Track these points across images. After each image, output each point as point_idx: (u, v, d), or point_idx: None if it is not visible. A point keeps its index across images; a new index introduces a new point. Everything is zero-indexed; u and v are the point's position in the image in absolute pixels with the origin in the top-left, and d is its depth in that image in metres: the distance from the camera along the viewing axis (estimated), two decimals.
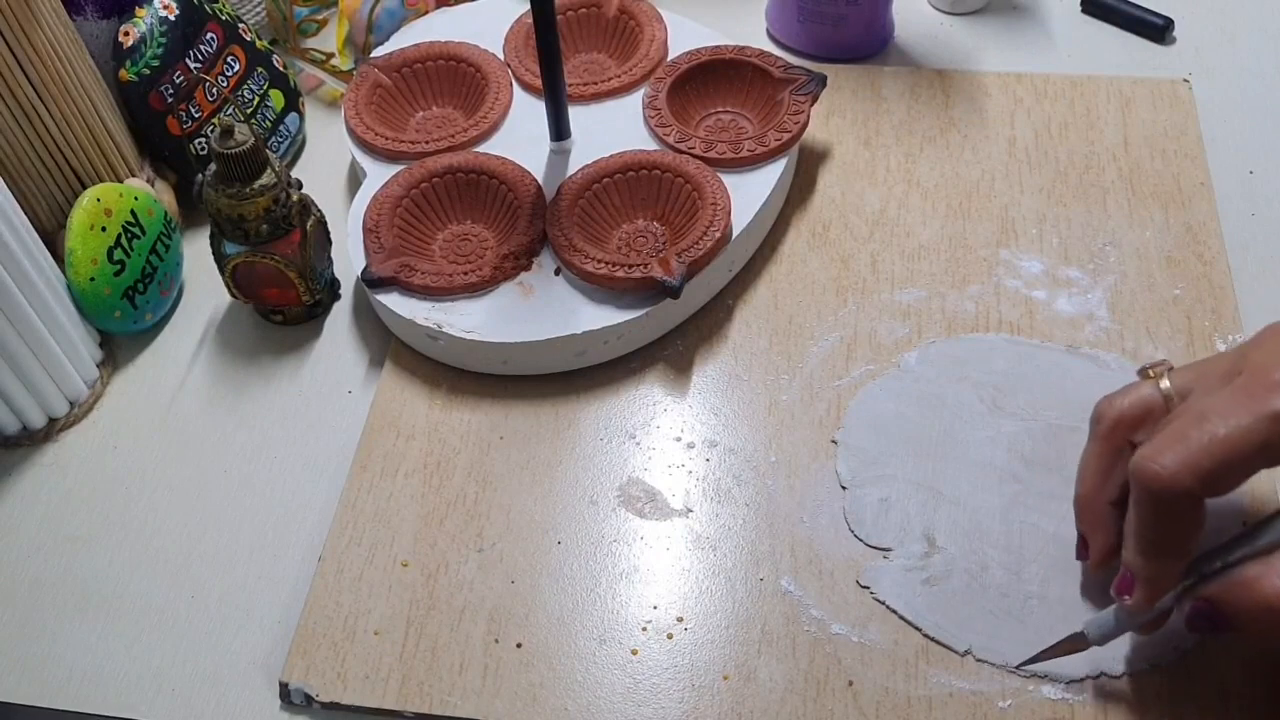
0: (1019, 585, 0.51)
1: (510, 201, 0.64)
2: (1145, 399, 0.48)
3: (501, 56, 0.71)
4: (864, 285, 0.63)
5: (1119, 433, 0.48)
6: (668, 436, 0.58)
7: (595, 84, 0.69)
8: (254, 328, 0.65)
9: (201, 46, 0.67)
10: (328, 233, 0.64)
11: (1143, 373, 0.49)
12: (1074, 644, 0.48)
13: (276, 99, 0.72)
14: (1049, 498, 0.54)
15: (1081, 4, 0.78)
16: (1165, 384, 0.47)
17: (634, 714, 0.49)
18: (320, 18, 0.81)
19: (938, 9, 0.79)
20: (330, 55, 0.77)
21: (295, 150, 0.74)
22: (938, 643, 0.50)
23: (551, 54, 0.62)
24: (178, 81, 0.66)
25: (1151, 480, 0.43)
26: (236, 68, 0.69)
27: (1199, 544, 0.44)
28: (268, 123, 0.71)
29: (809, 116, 0.66)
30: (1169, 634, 0.48)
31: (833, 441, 0.57)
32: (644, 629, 0.51)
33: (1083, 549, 0.50)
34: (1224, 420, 0.42)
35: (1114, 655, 0.49)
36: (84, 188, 0.62)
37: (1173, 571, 0.45)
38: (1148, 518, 0.44)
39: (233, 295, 0.63)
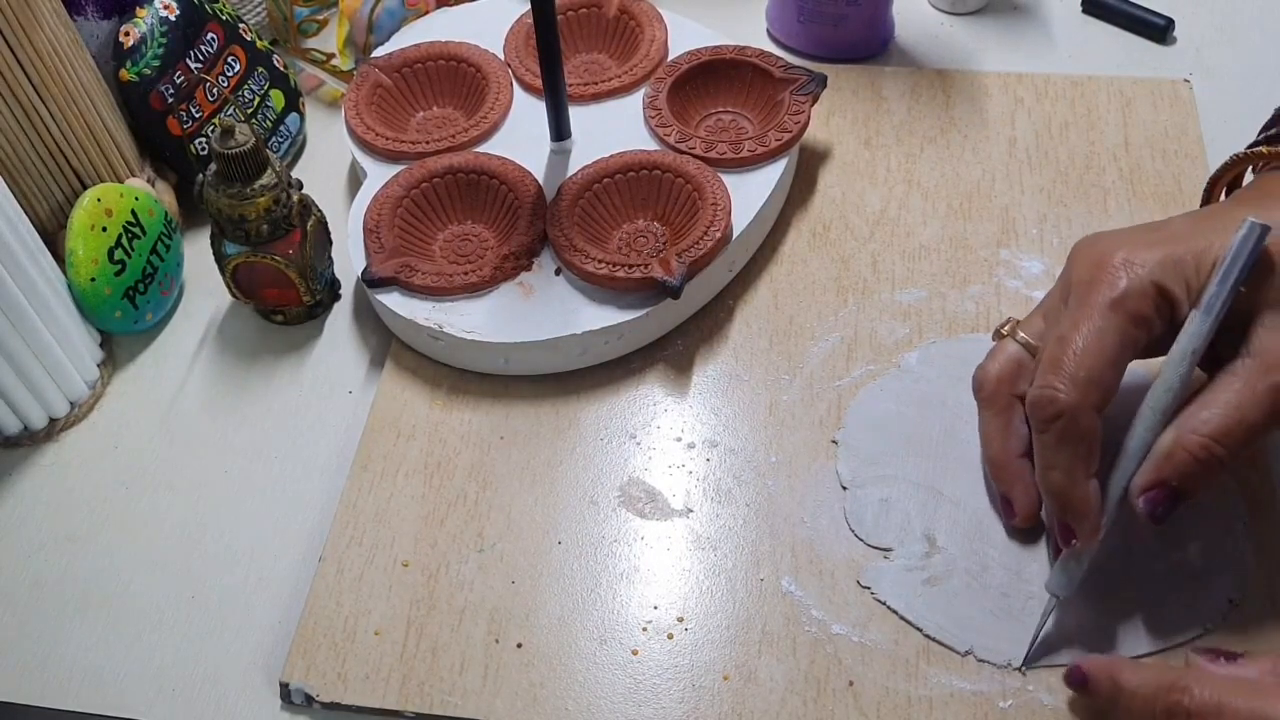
0: (1020, 585, 0.51)
1: (510, 202, 0.64)
2: (1011, 355, 0.53)
3: (502, 56, 0.71)
4: (864, 285, 0.63)
5: (1002, 390, 0.52)
6: (668, 437, 0.58)
7: (595, 84, 0.69)
8: (254, 328, 0.65)
9: (202, 47, 0.67)
10: (328, 233, 0.64)
11: (996, 334, 0.54)
12: (1051, 610, 0.49)
13: (277, 99, 0.72)
14: None
15: (1082, 4, 0.78)
16: (1021, 335, 0.53)
17: (634, 714, 0.49)
18: (321, 18, 0.81)
19: (938, 9, 0.79)
20: (331, 55, 0.77)
21: (296, 150, 0.74)
22: (938, 643, 0.50)
23: (552, 54, 0.62)
24: (178, 82, 0.66)
25: (1050, 404, 0.47)
26: (237, 68, 0.69)
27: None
28: (268, 123, 0.71)
29: (809, 116, 0.66)
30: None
31: (833, 442, 0.57)
32: (644, 629, 0.51)
33: (1007, 509, 0.52)
34: (1080, 332, 0.47)
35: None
36: (84, 188, 0.62)
37: (1095, 491, 0.48)
38: (1053, 442, 0.48)
39: (233, 295, 0.63)
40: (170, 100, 0.66)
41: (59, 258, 0.60)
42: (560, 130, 0.66)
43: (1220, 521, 0.52)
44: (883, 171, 0.68)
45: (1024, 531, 0.52)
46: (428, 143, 0.67)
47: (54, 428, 0.61)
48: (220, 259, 0.61)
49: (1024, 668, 0.49)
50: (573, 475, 0.57)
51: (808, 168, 0.69)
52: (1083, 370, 0.47)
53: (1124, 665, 0.46)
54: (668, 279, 0.58)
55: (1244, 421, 0.46)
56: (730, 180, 0.63)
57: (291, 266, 0.61)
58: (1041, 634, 0.49)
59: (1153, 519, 0.47)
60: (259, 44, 0.71)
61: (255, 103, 0.70)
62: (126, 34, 0.64)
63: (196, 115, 0.67)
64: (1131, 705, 0.44)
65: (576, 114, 0.67)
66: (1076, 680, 0.47)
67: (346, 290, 0.66)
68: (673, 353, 0.61)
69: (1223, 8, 0.77)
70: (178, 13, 0.66)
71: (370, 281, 0.61)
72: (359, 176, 0.68)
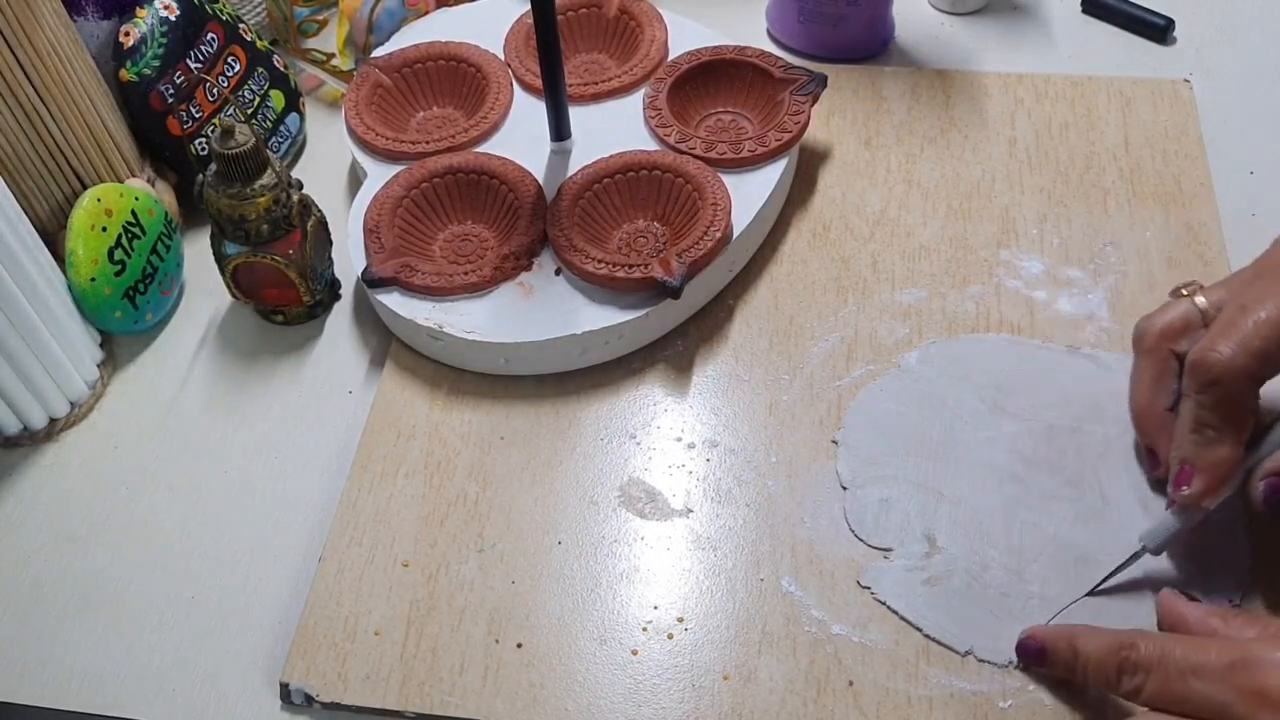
0: (1020, 585, 0.51)
1: (511, 202, 0.64)
2: (1184, 313, 0.52)
3: (502, 57, 0.71)
4: (864, 285, 0.63)
5: (1164, 344, 0.52)
6: (668, 437, 0.58)
7: (595, 84, 0.69)
8: (254, 328, 0.65)
9: (202, 47, 0.67)
10: (328, 233, 0.64)
11: (1175, 292, 0.54)
12: (1134, 559, 0.50)
13: (277, 99, 0.72)
14: (1049, 498, 0.54)
15: (1082, 4, 0.78)
16: (1200, 300, 0.52)
17: (634, 714, 0.49)
18: (321, 18, 0.81)
19: (938, 9, 0.79)
20: (331, 55, 0.77)
21: (296, 150, 0.74)
22: (938, 643, 0.50)
23: (552, 54, 0.62)
24: (178, 82, 0.66)
25: (1213, 366, 0.47)
26: (237, 68, 0.69)
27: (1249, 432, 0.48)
28: (268, 123, 0.71)
29: (809, 117, 0.66)
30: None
31: (833, 442, 0.57)
32: (644, 629, 0.51)
33: (1152, 460, 0.53)
34: (1263, 305, 0.47)
35: None
36: (84, 188, 0.62)
37: (1233, 457, 0.48)
38: (1209, 403, 0.48)
39: (233, 295, 0.63)
40: (170, 100, 0.66)
41: (59, 258, 0.60)
42: (560, 130, 0.66)
43: (1220, 522, 0.52)
44: (883, 171, 0.68)
45: (1024, 532, 0.53)
46: (428, 143, 0.67)
47: (54, 428, 0.61)
48: (220, 259, 0.61)
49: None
50: (573, 475, 0.57)
51: (808, 168, 0.69)
52: (1257, 340, 0.47)
53: (1080, 631, 0.47)
54: (668, 279, 0.58)
55: None
56: (730, 180, 0.63)
57: (291, 266, 0.61)
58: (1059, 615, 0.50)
59: (1268, 505, 0.48)
60: (259, 44, 0.71)
61: (255, 103, 0.70)
62: (126, 34, 0.64)
63: (196, 115, 0.67)
64: (1088, 667, 0.46)
65: (576, 114, 0.67)
66: (1033, 651, 0.48)
67: (346, 290, 0.66)
68: (673, 353, 0.61)
69: (1223, 8, 0.77)
70: (178, 13, 0.66)
71: (370, 281, 0.61)
72: (359, 176, 0.68)
